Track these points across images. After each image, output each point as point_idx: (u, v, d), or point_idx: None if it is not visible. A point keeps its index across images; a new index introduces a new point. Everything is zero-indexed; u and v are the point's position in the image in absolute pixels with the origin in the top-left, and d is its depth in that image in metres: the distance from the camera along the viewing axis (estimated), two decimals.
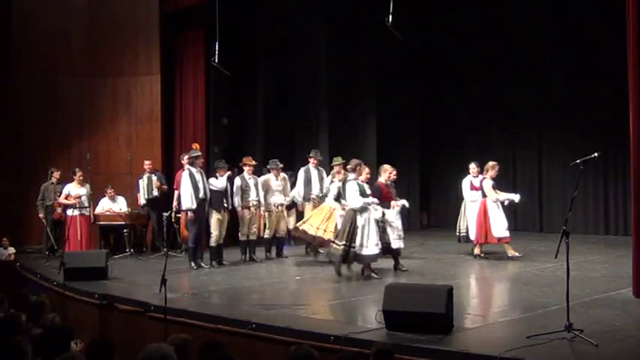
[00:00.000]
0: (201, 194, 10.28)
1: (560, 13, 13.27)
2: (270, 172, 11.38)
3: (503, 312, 7.04)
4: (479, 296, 8.09)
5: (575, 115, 13.60)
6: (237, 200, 10.84)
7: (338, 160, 11.06)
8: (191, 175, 10.31)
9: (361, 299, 8.18)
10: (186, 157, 11.81)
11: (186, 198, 10.25)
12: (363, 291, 8.94)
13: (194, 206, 10.21)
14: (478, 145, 14.26)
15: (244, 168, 11.00)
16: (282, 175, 11.53)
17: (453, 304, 6.13)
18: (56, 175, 11.91)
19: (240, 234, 10.99)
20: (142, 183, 12.03)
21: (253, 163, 11.11)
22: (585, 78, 13.19)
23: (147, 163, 12.14)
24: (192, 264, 10.27)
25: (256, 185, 10.97)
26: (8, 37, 13.00)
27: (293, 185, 11.83)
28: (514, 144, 14.65)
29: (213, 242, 10.44)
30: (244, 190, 10.85)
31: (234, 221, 11.05)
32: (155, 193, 12.02)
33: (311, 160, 11.74)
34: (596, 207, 13.74)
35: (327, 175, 11.68)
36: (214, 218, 10.43)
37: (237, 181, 10.94)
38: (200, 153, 10.75)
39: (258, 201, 10.95)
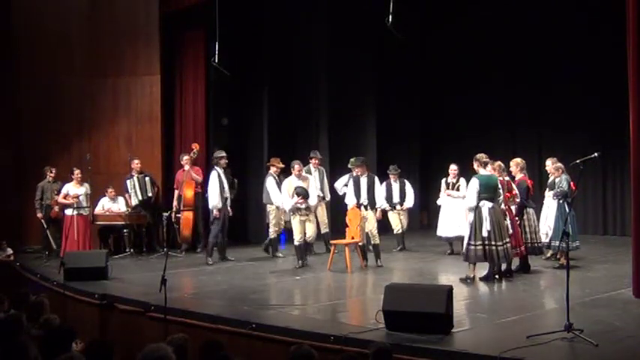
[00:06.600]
0: (225, 193, 10.72)
1: (561, 14, 13.26)
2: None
3: (502, 312, 7.04)
4: (479, 296, 8.08)
5: (575, 115, 13.56)
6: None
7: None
8: (219, 175, 10.65)
9: (361, 299, 8.18)
10: (186, 157, 11.81)
11: (214, 197, 10.61)
12: (363, 291, 8.96)
13: (220, 205, 10.59)
14: (478, 145, 14.15)
15: (271, 168, 11.16)
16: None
17: (452, 304, 6.14)
18: (51, 173, 11.85)
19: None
20: (131, 184, 11.93)
21: (281, 165, 11.13)
22: (585, 78, 13.16)
23: (135, 163, 12.05)
24: (209, 259, 10.53)
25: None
26: (8, 37, 12.97)
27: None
28: (514, 144, 14.61)
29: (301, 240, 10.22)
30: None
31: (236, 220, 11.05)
32: (150, 194, 11.99)
33: (312, 161, 11.73)
34: (596, 207, 13.72)
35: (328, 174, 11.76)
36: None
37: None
38: (224, 154, 10.97)
39: None
